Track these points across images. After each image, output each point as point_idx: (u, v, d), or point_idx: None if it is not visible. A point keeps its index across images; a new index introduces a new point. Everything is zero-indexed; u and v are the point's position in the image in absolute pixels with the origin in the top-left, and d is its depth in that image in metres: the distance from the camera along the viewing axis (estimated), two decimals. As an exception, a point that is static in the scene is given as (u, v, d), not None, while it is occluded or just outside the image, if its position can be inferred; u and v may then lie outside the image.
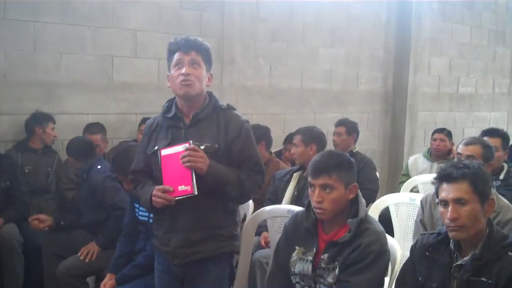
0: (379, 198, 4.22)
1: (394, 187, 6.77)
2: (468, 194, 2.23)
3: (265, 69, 6.42)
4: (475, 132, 8.76)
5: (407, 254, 2.59)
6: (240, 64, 6.13)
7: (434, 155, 5.71)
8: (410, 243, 3.61)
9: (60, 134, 4.89)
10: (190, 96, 2.58)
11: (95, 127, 4.95)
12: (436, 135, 5.75)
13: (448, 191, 2.26)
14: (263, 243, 3.88)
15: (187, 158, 2.44)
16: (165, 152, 2.56)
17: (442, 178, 2.31)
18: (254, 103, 6.26)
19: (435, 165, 5.50)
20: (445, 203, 2.27)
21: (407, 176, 5.57)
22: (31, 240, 4.14)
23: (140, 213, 3.33)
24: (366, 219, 2.54)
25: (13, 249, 4.07)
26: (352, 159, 2.61)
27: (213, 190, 2.52)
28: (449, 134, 5.77)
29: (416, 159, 5.87)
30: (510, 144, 4.68)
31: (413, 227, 3.40)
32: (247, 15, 6.12)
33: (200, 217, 2.57)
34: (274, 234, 3.37)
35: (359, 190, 2.59)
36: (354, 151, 5.07)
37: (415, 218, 3.83)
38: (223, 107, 2.68)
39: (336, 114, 6.64)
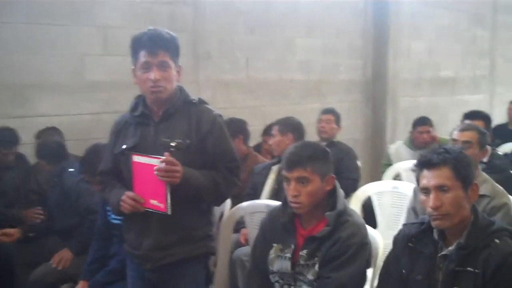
0: (362, 187, 4.13)
1: (378, 176, 6.69)
2: (450, 180, 2.11)
3: (242, 62, 6.27)
4: (457, 116, 8.69)
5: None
6: (216, 58, 5.98)
7: (418, 144, 5.55)
8: (395, 232, 3.54)
9: (31, 138, 4.70)
10: (161, 100, 2.47)
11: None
12: (421, 128, 5.50)
13: (429, 178, 2.15)
14: (242, 240, 3.76)
15: (163, 173, 2.30)
16: (137, 159, 2.42)
17: (423, 164, 2.20)
18: (232, 97, 6.13)
19: (418, 154, 5.36)
20: (426, 190, 2.16)
21: (389, 165, 5.43)
22: (1, 248, 3.97)
23: (113, 216, 3.19)
24: (345, 211, 2.43)
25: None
26: (327, 149, 2.51)
27: (186, 196, 2.41)
28: (431, 122, 5.62)
29: (398, 149, 5.74)
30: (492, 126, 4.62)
31: (406, 215, 3.29)
32: (221, 7, 5.98)
33: (173, 218, 2.41)
34: (253, 230, 3.24)
35: (337, 181, 2.48)
36: (334, 140, 4.99)
37: (398, 206, 3.78)
38: (194, 101, 2.55)
39: (316, 104, 6.51)
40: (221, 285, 3.24)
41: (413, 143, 5.59)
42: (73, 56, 5.06)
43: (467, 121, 4.23)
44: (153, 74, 2.39)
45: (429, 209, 2.14)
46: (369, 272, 2.51)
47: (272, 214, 2.60)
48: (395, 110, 7.79)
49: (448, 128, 7.38)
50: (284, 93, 6.67)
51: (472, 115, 4.36)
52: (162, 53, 2.41)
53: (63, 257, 3.66)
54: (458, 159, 2.14)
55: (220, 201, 2.72)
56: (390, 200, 3.85)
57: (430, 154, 2.18)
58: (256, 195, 3.95)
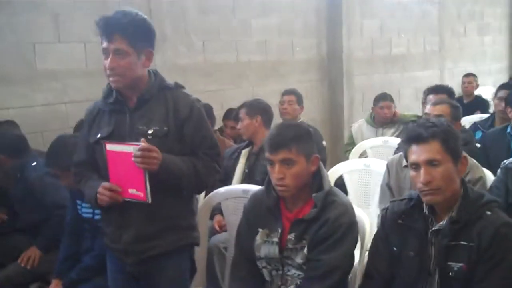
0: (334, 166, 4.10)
1: (337, 155, 6.70)
2: (440, 154, 2.08)
3: (198, 45, 6.14)
4: (411, 92, 8.84)
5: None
6: (171, 41, 5.83)
7: (379, 121, 5.55)
8: (367, 210, 3.54)
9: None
10: (122, 88, 2.34)
11: None
12: (382, 103, 5.43)
13: (418, 153, 2.11)
14: (217, 227, 3.67)
15: (140, 159, 2.19)
16: (111, 147, 2.30)
17: (411, 139, 2.15)
18: (190, 82, 5.92)
19: (380, 131, 5.41)
20: (416, 166, 2.12)
21: (353, 144, 5.43)
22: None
23: (84, 210, 3.07)
24: (331, 192, 2.38)
25: None
26: (310, 129, 2.44)
27: (166, 184, 2.31)
28: (392, 98, 5.62)
29: (360, 127, 5.72)
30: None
31: (379, 192, 3.27)
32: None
33: (153, 208, 2.31)
34: (230, 216, 3.17)
35: (321, 162, 2.42)
36: (298, 121, 4.93)
37: (371, 184, 3.77)
38: (170, 86, 2.44)
39: (275, 85, 6.45)
40: (200, 273, 3.14)
41: (374, 120, 5.58)
42: (23, 44, 4.82)
43: (431, 96, 4.23)
44: (109, 61, 2.27)
45: (419, 185, 2.10)
46: (356, 251, 2.47)
47: (255, 199, 2.52)
48: (351, 89, 7.79)
49: (401, 104, 7.52)
50: (242, 75, 6.58)
51: (436, 89, 4.35)
52: (118, 39, 2.26)
53: (31, 255, 3.52)
54: (446, 132, 2.11)
55: (201, 189, 2.66)
56: (362, 178, 3.84)
57: (419, 128, 2.14)
58: (228, 180, 3.87)
